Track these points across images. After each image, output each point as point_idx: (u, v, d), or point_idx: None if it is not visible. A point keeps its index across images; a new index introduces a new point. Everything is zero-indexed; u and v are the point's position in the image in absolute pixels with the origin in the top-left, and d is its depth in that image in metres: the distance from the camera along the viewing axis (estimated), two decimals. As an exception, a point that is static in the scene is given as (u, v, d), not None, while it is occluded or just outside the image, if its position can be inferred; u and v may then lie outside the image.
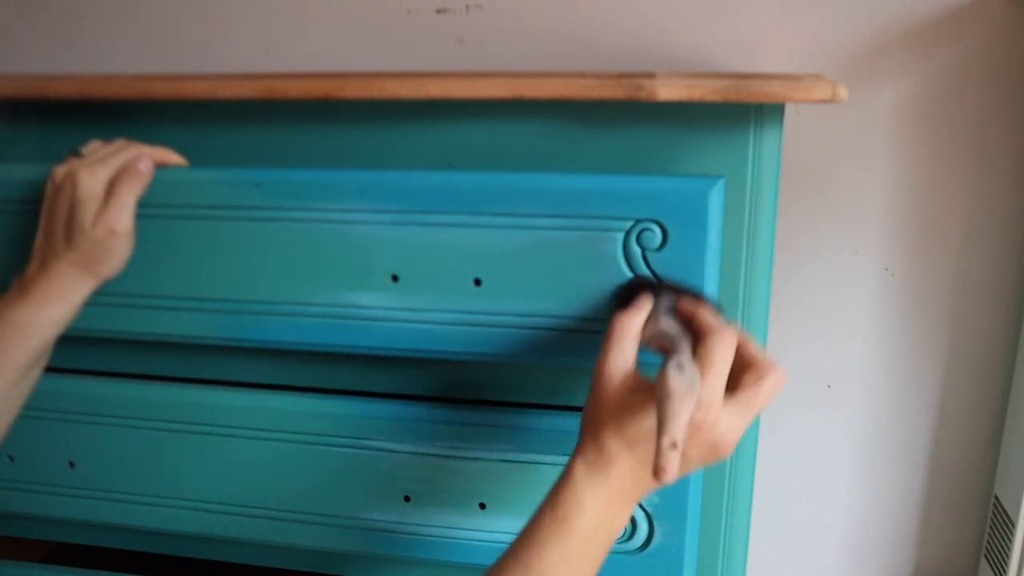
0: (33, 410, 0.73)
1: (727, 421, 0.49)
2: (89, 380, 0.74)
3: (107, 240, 0.59)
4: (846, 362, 0.90)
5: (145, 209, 0.63)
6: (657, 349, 0.53)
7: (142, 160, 0.61)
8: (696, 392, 0.47)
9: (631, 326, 0.53)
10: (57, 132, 0.73)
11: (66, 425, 0.73)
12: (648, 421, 0.50)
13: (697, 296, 0.57)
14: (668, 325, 0.53)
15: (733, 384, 0.51)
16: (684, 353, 0.49)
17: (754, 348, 0.52)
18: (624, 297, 0.58)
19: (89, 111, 0.71)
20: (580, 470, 0.51)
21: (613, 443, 0.50)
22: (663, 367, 0.48)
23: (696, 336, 0.52)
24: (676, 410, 0.46)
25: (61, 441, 0.74)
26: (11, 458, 0.75)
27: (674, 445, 0.45)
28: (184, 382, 0.73)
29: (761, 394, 0.51)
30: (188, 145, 0.66)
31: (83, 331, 0.67)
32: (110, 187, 0.60)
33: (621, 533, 0.52)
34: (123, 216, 0.60)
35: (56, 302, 0.60)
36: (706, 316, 0.53)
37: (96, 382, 0.73)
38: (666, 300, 0.55)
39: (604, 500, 0.50)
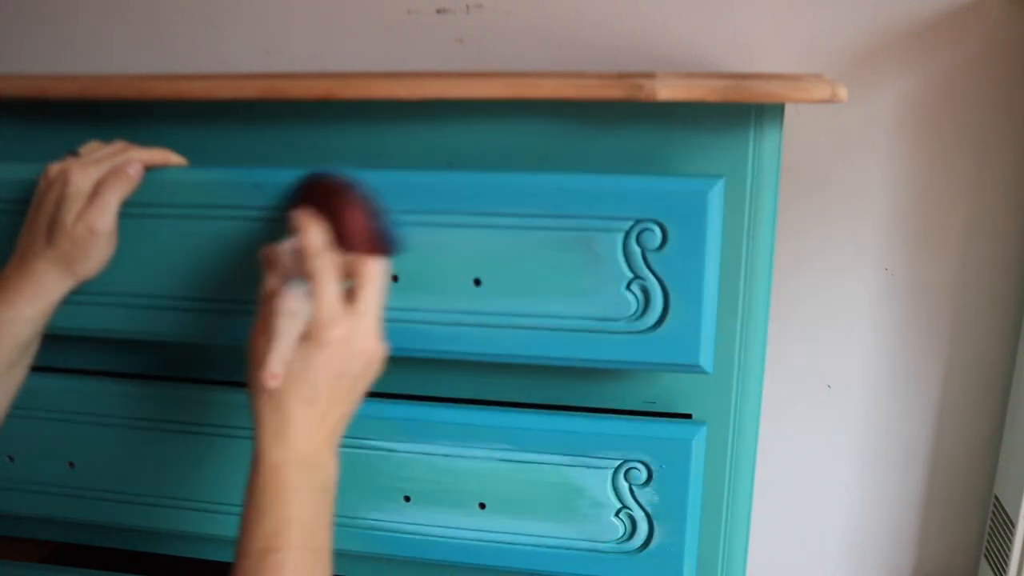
0: (33, 410, 0.73)
1: (357, 327, 0.53)
2: (89, 380, 0.73)
3: (87, 239, 0.59)
4: (846, 362, 0.90)
5: (145, 209, 0.63)
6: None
7: (132, 164, 0.61)
8: (305, 310, 0.52)
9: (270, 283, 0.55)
10: (57, 132, 0.73)
11: (66, 425, 0.73)
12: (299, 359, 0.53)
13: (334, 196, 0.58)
14: (283, 246, 0.55)
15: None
16: (298, 280, 0.53)
17: (347, 259, 0.55)
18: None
19: (89, 111, 0.71)
20: (270, 444, 0.52)
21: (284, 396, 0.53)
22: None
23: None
24: (280, 326, 0.52)
25: (61, 441, 0.74)
26: (11, 458, 0.75)
27: (281, 358, 0.52)
28: (184, 382, 0.73)
29: (371, 289, 0.54)
30: (188, 145, 0.66)
31: (84, 331, 0.67)
32: (96, 187, 0.60)
33: (334, 474, 0.55)
34: (104, 216, 0.59)
35: (30, 300, 0.59)
36: (305, 235, 0.54)
37: (96, 382, 0.73)
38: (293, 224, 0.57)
39: (292, 457, 0.52)
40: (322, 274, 0.53)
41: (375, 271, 0.54)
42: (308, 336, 0.52)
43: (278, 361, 0.52)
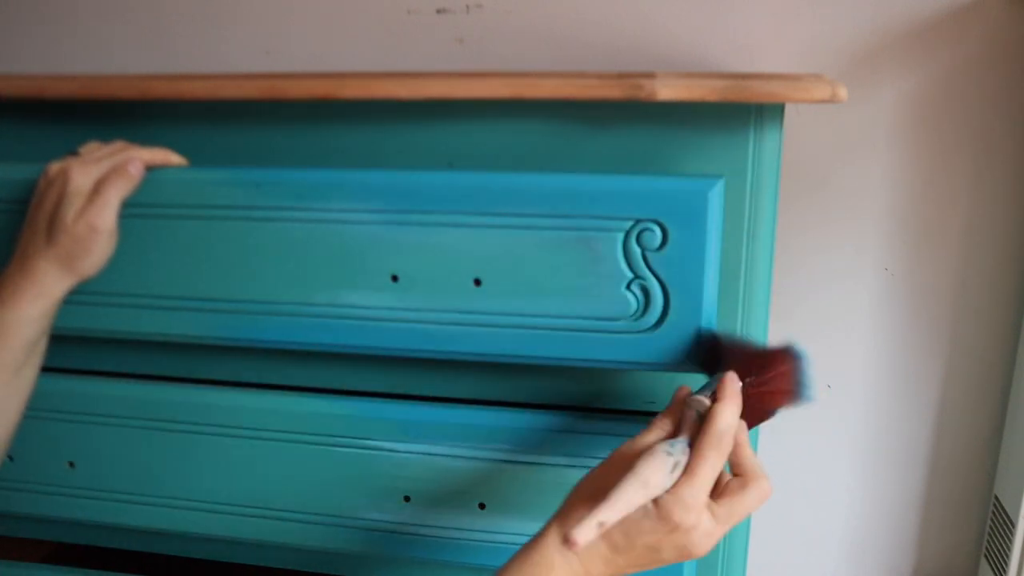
0: (33, 410, 0.73)
1: (706, 526, 0.48)
2: (89, 380, 0.74)
3: (87, 237, 0.59)
4: (846, 362, 0.90)
5: (145, 209, 0.63)
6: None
7: (133, 162, 0.61)
8: (662, 485, 0.47)
9: (661, 424, 0.52)
10: (57, 132, 0.73)
11: (66, 425, 0.73)
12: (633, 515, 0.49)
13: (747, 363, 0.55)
14: (695, 403, 0.52)
15: (717, 486, 0.50)
16: (681, 442, 0.50)
17: (747, 452, 0.51)
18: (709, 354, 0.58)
19: (89, 111, 0.71)
20: (555, 536, 0.50)
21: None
22: (657, 445, 0.49)
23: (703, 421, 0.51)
24: (627, 493, 0.47)
25: (61, 441, 0.74)
26: (11, 458, 0.75)
27: (600, 524, 0.46)
28: (184, 382, 0.73)
29: (744, 505, 0.49)
30: (188, 145, 0.66)
31: (83, 331, 0.67)
32: (97, 185, 0.60)
33: None
34: (105, 214, 0.59)
35: (32, 300, 0.59)
36: (721, 413, 0.50)
37: (96, 382, 0.73)
38: (714, 379, 0.54)
39: (573, 572, 0.49)
40: (711, 459, 0.48)
41: (762, 490, 0.50)
42: (657, 501, 0.48)
43: (593, 528, 0.46)
